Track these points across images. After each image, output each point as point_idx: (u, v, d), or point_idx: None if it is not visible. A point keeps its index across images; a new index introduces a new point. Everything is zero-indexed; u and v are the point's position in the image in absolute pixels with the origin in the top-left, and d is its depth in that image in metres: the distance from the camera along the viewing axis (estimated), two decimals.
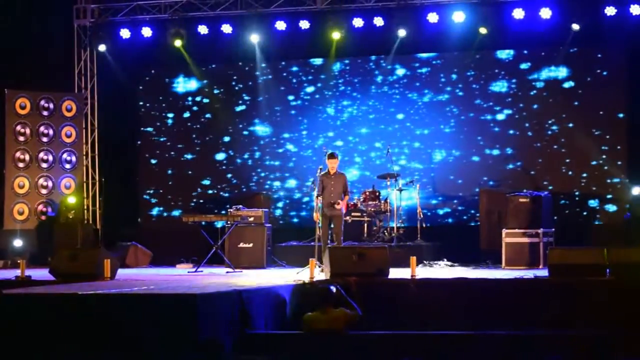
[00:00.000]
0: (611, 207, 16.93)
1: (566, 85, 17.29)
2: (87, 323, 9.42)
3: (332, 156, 14.56)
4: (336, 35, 17.37)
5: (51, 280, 12.71)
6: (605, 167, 16.94)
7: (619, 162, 16.90)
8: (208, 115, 18.86)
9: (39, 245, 17.34)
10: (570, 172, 17.14)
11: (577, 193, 17.06)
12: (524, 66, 17.46)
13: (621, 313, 10.75)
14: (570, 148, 17.19)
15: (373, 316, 10.74)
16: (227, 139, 18.77)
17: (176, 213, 18.42)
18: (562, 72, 17.28)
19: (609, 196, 16.93)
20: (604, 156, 16.97)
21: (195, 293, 9.60)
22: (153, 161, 19.08)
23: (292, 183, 18.42)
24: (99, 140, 18.72)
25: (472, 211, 17.39)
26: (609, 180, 16.94)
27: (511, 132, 17.51)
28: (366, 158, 18.07)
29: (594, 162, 17.02)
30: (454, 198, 17.72)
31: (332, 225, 14.44)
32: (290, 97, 18.56)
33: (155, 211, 19.02)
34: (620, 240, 15.36)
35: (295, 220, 18.36)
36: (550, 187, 16.90)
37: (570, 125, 17.23)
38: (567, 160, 17.17)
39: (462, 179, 17.67)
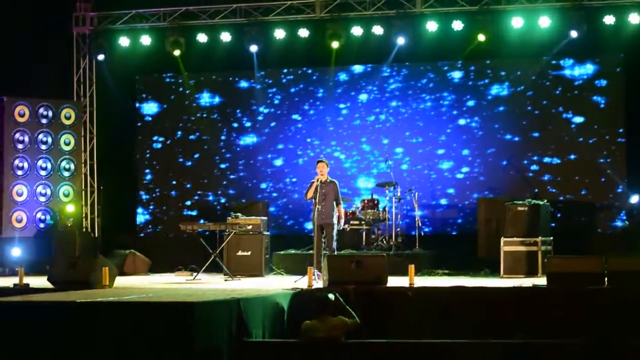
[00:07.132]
0: (610, 215, 16.93)
1: (565, 93, 17.30)
2: (85, 331, 9.41)
3: (319, 162, 14.44)
4: (335, 43, 17.38)
5: (49, 288, 12.70)
6: (604, 175, 16.95)
7: (618, 170, 16.91)
8: (207, 124, 18.85)
9: (38, 253, 17.31)
10: (568, 180, 17.15)
11: (575, 201, 17.05)
12: (521, 74, 17.49)
13: (619, 321, 10.75)
14: (569, 156, 17.20)
15: (371, 324, 10.73)
16: (225, 147, 18.77)
17: (175, 221, 18.37)
18: (562, 79, 17.29)
19: (608, 204, 16.93)
20: (602, 164, 16.98)
21: (193, 301, 9.59)
22: (152, 169, 19.09)
23: (291, 193, 18.41)
24: (97, 148, 18.72)
25: (471, 219, 17.38)
26: (607, 188, 16.94)
27: (508, 138, 17.51)
28: (365, 165, 18.07)
29: (592, 170, 17.04)
30: (453, 206, 17.71)
31: (324, 234, 14.38)
32: (289, 106, 18.55)
33: (153, 219, 19.01)
34: (618, 248, 15.35)
35: (294, 228, 18.35)
36: (549, 195, 16.89)
37: (569, 133, 17.26)
38: (566, 169, 17.18)
39: (461, 187, 17.67)
